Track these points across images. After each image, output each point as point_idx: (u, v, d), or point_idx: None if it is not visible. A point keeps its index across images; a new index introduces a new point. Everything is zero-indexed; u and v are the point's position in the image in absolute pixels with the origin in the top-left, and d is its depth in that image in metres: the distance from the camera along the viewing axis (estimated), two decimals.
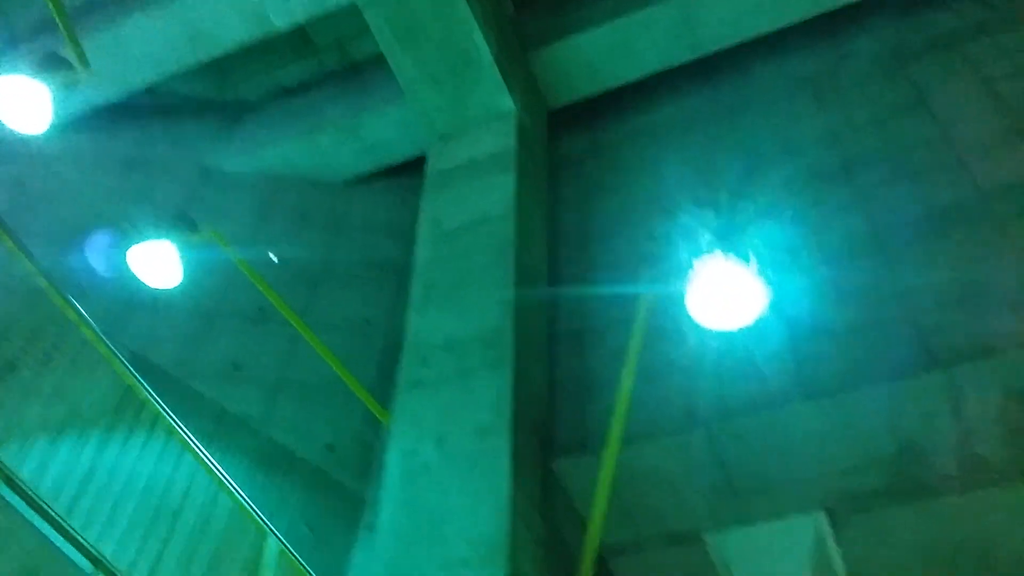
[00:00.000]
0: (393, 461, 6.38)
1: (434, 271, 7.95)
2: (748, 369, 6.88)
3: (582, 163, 10.19)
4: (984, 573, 7.62)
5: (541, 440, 6.98)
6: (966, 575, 7.63)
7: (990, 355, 6.26)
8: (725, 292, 6.53)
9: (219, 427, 7.05)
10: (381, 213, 10.36)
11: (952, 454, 6.65)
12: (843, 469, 6.76)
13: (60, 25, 7.05)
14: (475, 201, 8.46)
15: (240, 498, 4.01)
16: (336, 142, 10.90)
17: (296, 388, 7.50)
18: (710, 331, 6.91)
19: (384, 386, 7.18)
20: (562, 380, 7.68)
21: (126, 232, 7.00)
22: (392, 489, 6.19)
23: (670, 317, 7.25)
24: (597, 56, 10.25)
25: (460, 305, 7.46)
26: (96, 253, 8.33)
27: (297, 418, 7.20)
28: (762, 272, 6.44)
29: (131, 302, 8.13)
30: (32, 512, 4.58)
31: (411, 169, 10.49)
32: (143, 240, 6.95)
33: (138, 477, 5.94)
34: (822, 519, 6.87)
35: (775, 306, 6.87)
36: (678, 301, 6.73)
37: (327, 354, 7.07)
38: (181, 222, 7.15)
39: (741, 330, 6.90)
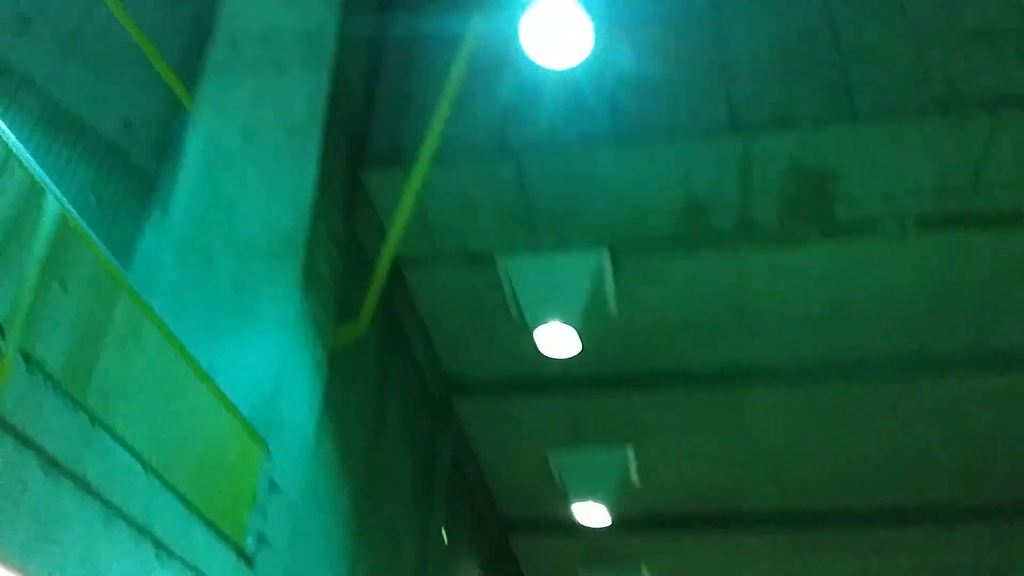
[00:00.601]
0: (194, 146, 6.15)
1: None
2: (565, 108, 6.99)
3: None
4: (737, 323, 8.63)
5: (353, 148, 6.92)
6: (721, 322, 8.61)
7: (786, 128, 6.66)
8: (556, 28, 6.46)
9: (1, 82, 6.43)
10: None
11: (732, 214, 7.23)
12: (633, 214, 7.21)
13: None
14: None
15: (17, 154, 3.74)
16: None
17: (92, 54, 6.85)
18: (536, 66, 6.91)
19: (191, 67, 6.73)
20: (382, 93, 7.51)
21: None
22: (190, 174, 6.01)
23: (501, 48, 7.15)
24: None
25: None
26: None
27: (91, 87, 6.66)
28: (593, 14, 6.39)
29: None
30: None
31: None
32: None
33: None
34: (605, 256, 7.39)
35: (601, 50, 6.92)
36: (511, 32, 6.61)
37: (129, 22, 6.49)
38: None
39: (566, 69, 6.96)
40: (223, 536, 4.44)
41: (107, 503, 3.51)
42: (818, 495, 11.61)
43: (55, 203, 3.61)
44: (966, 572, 13.44)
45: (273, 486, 4.97)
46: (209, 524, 4.31)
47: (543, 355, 8.32)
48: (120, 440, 3.67)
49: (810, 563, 13.48)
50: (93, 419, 3.50)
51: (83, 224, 4.06)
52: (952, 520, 11.80)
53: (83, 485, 3.37)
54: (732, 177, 6.93)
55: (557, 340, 7.69)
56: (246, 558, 4.66)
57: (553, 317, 7.58)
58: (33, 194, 3.44)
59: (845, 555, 13.16)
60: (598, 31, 6.52)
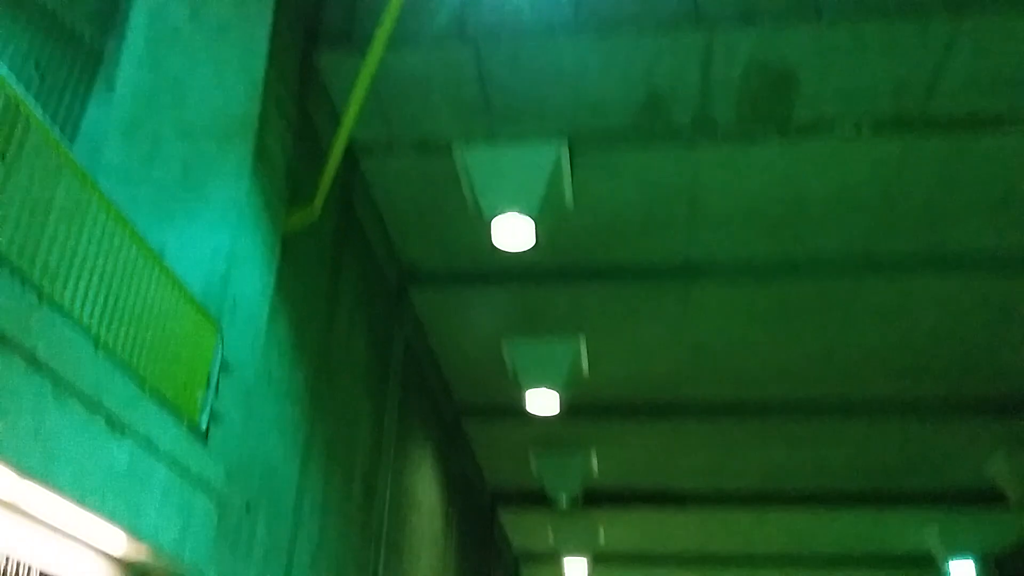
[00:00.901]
0: (139, 20, 5.93)
1: None
2: None
3: None
4: (691, 219, 8.72)
5: (306, 29, 6.73)
6: (675, 217, 8.70)
7: (750, 22, 6.59)
8: None
9: None
10: None
11: (691, 110, 7.23)
12: (593, 106, 7.17)
13: None
14: None
15: None
16: None
17: None
18: None
19: None
20: None
21: None
22: (136, 49, 5.82)
23: None
24: None
25: None
26: None
27: None
28: None
29: None
30: None
31: None
32: None
33: None
34: (564, 148, 7.37)
35: None
36: None
37: None
38: None
39: None
40: (176, 413, 4.52)
41: (58, 378, 3.55)
42: (762, 387, 12.04)
43: None
44: (901, 462, 14.17)
45: (225, 365, 5.04)
46: (162, 401, 4.38)
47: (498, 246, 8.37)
48: (69, 316, 3.68)
49: (751, 451, 14.10)
50: (41, 295, 3.50)
51: (25, 97, 3.95)
52: (890, 413, 12.36)
53: (32, 360, 3.39)
54: (693, 72, 6.89)
55: (512, 231, 7.72)
56: (199, 434, 4.76)
57: (509, 208, 7.59)
58: None
59: (785, 444, 13.77)
60: None
